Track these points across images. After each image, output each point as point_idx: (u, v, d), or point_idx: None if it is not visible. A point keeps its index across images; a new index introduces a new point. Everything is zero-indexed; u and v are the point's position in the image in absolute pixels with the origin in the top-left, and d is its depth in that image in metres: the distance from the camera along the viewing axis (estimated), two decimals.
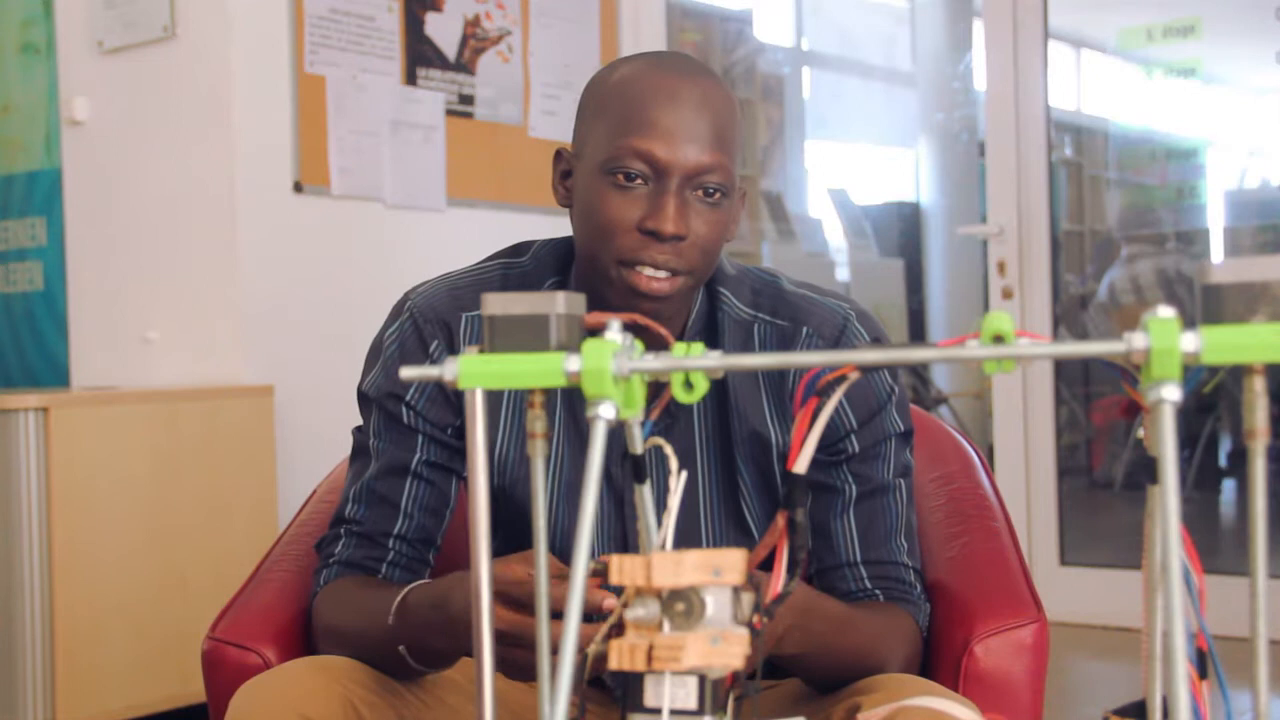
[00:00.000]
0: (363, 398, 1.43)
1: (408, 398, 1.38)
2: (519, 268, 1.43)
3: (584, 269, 1.34)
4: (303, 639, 1.44)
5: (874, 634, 1.29)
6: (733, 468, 1.37)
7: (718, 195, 1.27)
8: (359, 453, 1.43)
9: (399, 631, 1.23)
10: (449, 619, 1.17)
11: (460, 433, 1.39)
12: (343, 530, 1.40)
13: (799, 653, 1.22)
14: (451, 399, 1.38)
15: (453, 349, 1.38)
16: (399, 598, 1.24)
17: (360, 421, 1.45)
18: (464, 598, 1.15)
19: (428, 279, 1.45)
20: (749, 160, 5.88)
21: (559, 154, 1.38)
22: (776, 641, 1.17)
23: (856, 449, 1.36)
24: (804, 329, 1.37)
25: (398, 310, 1.43)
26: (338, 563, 1.39)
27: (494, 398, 1.37)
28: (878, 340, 1.41)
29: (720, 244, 1.31)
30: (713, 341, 1.38)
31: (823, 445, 1.35)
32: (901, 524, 1.38)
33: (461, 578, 1.18)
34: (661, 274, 1.26)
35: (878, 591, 1.36)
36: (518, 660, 1.12)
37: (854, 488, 1.36)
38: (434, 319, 1.39)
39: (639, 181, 1.26)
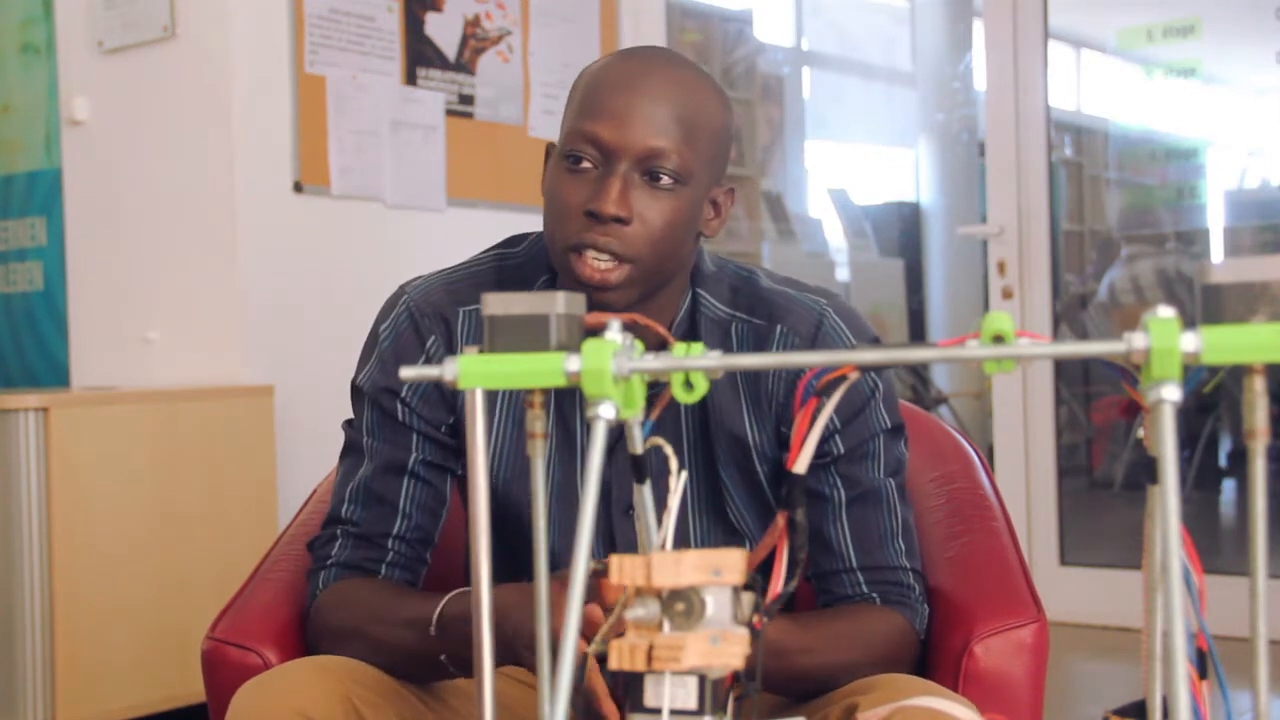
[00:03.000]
0: (356, 392, 1.41)
1: (403, 394, 1.37)
2: (513, 259, 1.43)
3: (549, 251, 1.34)
4: (303, 639, 1.43)
5: (835, 650, 1.28)
6: (715, 466, 1.37)
7: (668, 181, 1.26)
8: (351, 449, 1.42)
9: (442, 642, 1.23)
10: (504, 637, 1.14)
11: (454, 430, 1.38)
12: (339, 531, 1.39)
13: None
14: (446, 396, 1.37)
15: (451, 344, 1.37)
16: (439, 608, 1.23)
17: (351, 415, 1.44)
18: (519, 618, 1.14)
19: (421, 274, 1.45)
20: (749, 160, 5.88)
21: (548, 149, 1.38)
22: None
23: (842, 449, 1.35)
24: (779, 327, 1.36)
25: (391, 304, 1.41)
26: (336, 564, 1.38)
27: (489, 394, 1.36)
28: (872, 338, 1.41)
29: (674, 235, 1.28)
30: (693, 341, 1.37)
31: None
32: (897, 525, 1.37)
33: (518, 590, 1.16)
34: (604, 259, 1.25)
35: (874, 595, 1.36)
36: None
37: (844, 493, 1.35)
38: (431, 314, 1.38)
39: (588, 165, 1.26)
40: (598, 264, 1.25)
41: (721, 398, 1.36)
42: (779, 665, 1.23)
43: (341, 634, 1.34)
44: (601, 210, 1.23)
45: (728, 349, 1.36)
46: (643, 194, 1.26)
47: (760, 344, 1.36)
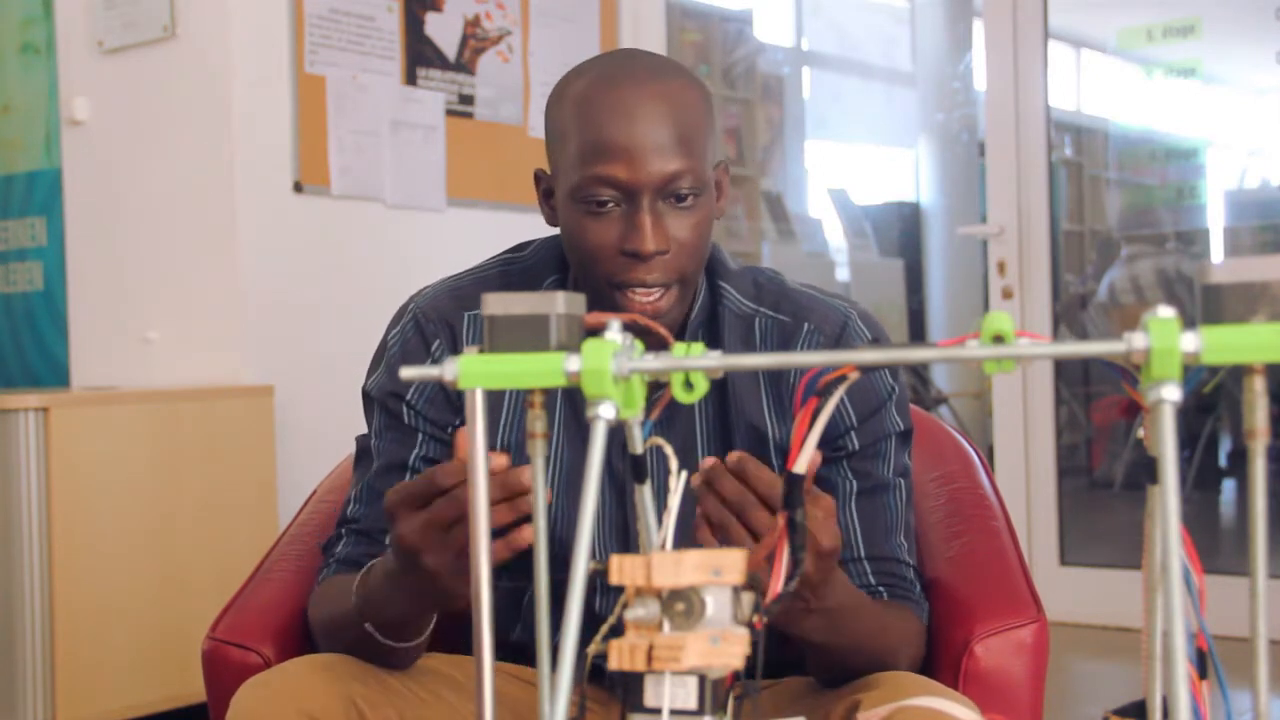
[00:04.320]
0: (366, 398, 1.44)
1: (408, 397, 1.38)
2: (520, 263, 1.44)
3: (581, 281, 1.35)
4: (303, 639, 1.44)
5: (885, 627, 1.29)
6: None
7: (691, 198, 1.28)
8: (362, 456, 1.44)
9: (363, 609, 1.24)
10: (388, 574, 1.17)
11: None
12: (344, 530, 1.41)
13: (817, 635, 1.20)
14: (452, 398, 1.38)
15: (456, 348, 1.39)
16: (358, 578, 1.25)
17: (363, 428, 1.45)
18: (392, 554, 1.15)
19: (431, 282, 1.46)
20: (749, 160, 5.88)
21: (538, 176, 1.38)
22: (798, 618, 1.16)
23: (856, 446, 1.36)
24: (805, 325, 1.38)
25: (401, 312, 1.44)
26: (336, 561, 1.40)
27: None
28: (878, 341, 1.42)
29: (706, 241, 1.31)
30: (714, 335, 1.39)
31: (823, 442, 1.34)
32: (901, 522, 1.38)
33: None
34: (654, 292, 1.28)
35: (881, 588, 1.36)
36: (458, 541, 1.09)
37: (854, 483, 1.37)
38: (436, 319, 1.40)
39: (611, 205, 1.27)
40: (648, 299, 1.28)
41: (742, 388, 1.37)
42: (835, 624, 1.21)
43: (316, 628, 1.37)
44: (642, 250, 1.25)
45: (751, 342, 1.38)
46: (671, 218, 1.27)
47: (785, 340, 1.38)
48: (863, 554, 1.36)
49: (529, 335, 0.68)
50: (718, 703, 0.67)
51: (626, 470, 1.37)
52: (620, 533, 1.39)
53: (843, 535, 1.36)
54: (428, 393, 1.38)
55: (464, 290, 1.42)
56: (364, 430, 1.46)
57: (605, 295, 1.29)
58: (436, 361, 1.37)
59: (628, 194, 1.26)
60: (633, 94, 1.27)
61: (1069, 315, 5.08)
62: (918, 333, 6.66)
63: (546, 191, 1.37)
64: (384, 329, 1.46)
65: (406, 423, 1.39)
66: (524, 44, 3.85)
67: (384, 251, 3.46)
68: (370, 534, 1.39)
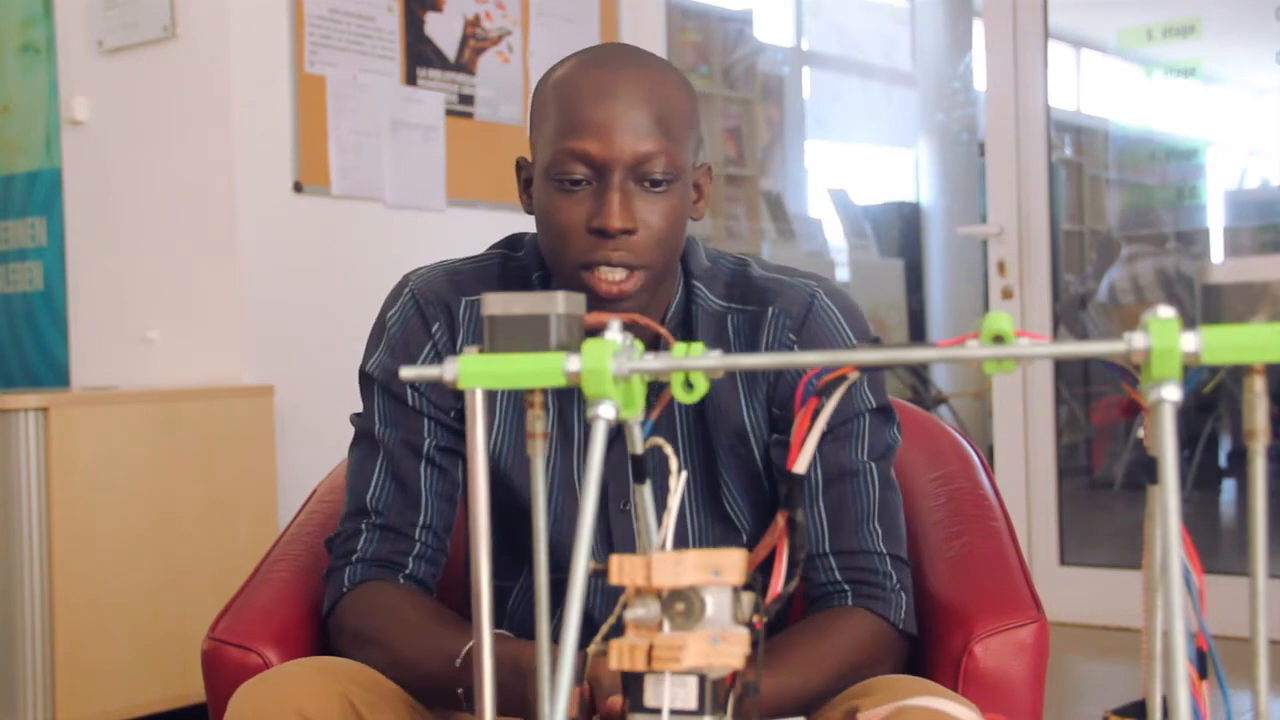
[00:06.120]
0: (365, 379, 1.41)
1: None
2: (516, 262, 1.44)
3: (552, 266, 1.35)
4: (303, 639, 1.43)
5: (810, 672, 1.25)
6: (713, 459, 1.37)
7: (664, 184, 1.27)
8: (361, 438, 1.42)
9: (465, 677, 1.22)
10: (525, 695, 1.15)
11: (463, 415, 1.38)
12: (363, 525, 1.38)
13: None
14: None
15: (453, 331, 1.38)
16: (470, 645, 1.22)
17: (359, 405, 1.44)
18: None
19: (424, 265, 1.45)
20: (749, 160, 5.88)
21: (519, 164, 1.38)
22: None
23: (825, 428, 1.35)
24: (770, 309, 1.37)
25: (397, 291, 1.42)
26: (362, 560, 1.37)
27: None
28: (862, 323, 1.40)
29: (677, 232, 1.30)
30: (688, 334, 1.38)
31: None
32: (874, 509, 1.35)
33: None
34: (619, 273, 1.26)
35: (846, 587, 1.34)
36: None
37: (821, 475, 1.35)
38: (435, 300, 1.39)
39: (583, 183, 1.26)
40: (613, 278, 1.26)
41: (718, 385, 1.37)
42: (764, 706, 1.20)
43: (364, 639, 1.33)
44: (609, 226, 1.24)
45: (724, 340, 1.37)
46: (641, 200, 1.26)
47: (754, 330, 1.37)
48: (828, 549, 1.34)
49: (529, 335, 0.68)
50: (718, 703, 0.67)
51: (610, 470, 1.36)
52: (604, 534, 1.38)
53: (809, 531, 1.35)
54: None
55: (461, 276, 1.41)
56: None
57: (574, 279, 1.28)
58: (438, 343, 1.38)
59: (599, 171, 1.25)
60: (612, 76, 1.27)
61: (1069, 315, 5.07)
62: (918, 333, 6.65)
63: (527, 181, 1.37)
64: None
65: (411, 406, 1.38)
66: (524, 44, 3.85)
67: (384, 251, 3.46)
68: (398, 529, 1.37)
